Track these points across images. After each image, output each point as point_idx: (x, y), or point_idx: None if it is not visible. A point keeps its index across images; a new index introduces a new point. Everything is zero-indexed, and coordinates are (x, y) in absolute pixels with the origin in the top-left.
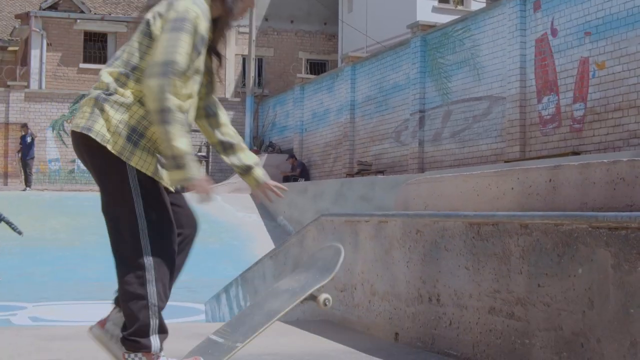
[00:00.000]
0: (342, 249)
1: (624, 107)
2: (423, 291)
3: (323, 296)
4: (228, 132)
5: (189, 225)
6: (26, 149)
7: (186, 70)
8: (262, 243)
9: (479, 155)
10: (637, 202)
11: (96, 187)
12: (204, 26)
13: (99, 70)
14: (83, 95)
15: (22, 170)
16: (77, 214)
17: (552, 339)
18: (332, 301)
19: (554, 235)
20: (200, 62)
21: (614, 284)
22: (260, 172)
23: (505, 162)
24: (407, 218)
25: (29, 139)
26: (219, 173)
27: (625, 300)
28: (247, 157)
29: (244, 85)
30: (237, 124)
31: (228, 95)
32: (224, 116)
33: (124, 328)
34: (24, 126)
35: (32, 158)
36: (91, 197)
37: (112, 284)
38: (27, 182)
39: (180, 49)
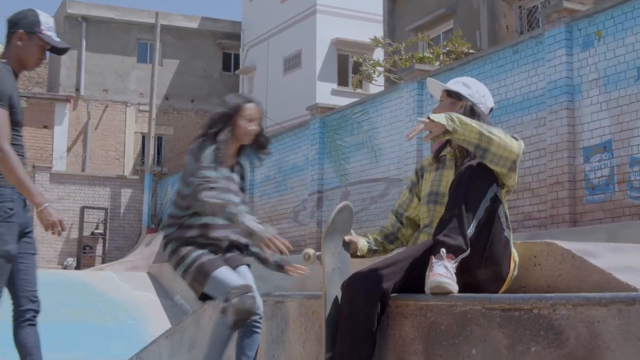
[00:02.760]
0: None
1: (518, 190)
2: None
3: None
4: None
5: None
6: None
7: None
8: (158, 322)
9: None
10: (530, 284)
11: None
12: None
13: None
14: None
15: None
16: None
17: None
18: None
19: (448, 316)
20: None
21: None
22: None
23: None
24: (304, 299)
25: None
26: (116, 251)
27: None
28: None
29: (143, 163)
30: (136, 202)
31: (127, 173)
32: None
33: None
34: None
35: None
36: None
37: None
38: None
39: None
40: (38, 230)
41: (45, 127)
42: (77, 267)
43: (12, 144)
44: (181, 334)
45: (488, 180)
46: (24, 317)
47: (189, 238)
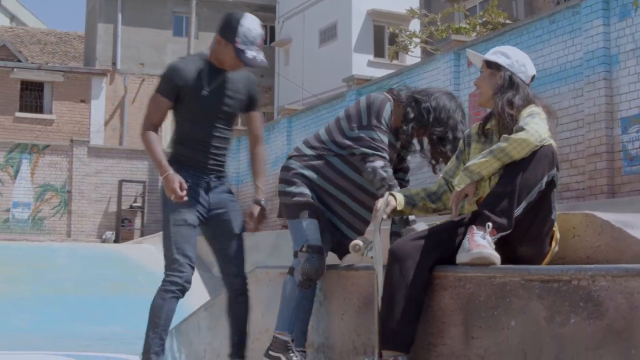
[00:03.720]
0: None
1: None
2: (358, 344)
3: (353, 242)
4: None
5: None
6: None
7: None
8: (196, 295)
9: None
10: (569, 256)
11: (30, 237)
12: None
13: (34, 119)
14: (18, 144)
15: None
16: (10, 264)
17: None
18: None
19: (487, 288)
20: None
21: (547, 336)
22: None
23: (440, 215)
24: (342, 270)
25: None
26: (154, 224)
27: (558, 352)
28: None
29: None
30: None
31: (164, 146)
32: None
33: None
34: None
35: None
36: (25, 247)
37: (45, 335)
38: None
39: None
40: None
41: (82, 101)
42: (116, 241)
43: (189, 130)
44: (220, 306)
45: (549, 165)
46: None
47: (314, 183)
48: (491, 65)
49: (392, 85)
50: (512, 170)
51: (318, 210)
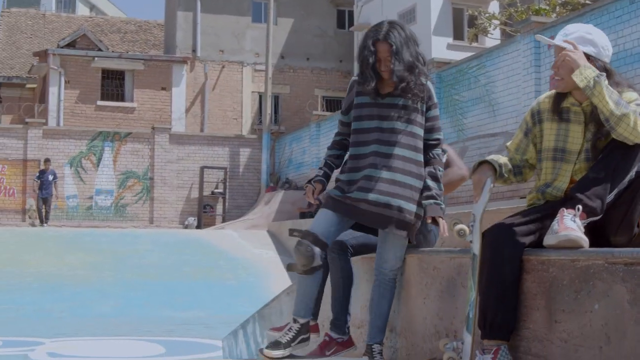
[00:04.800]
0: None
1: None
2: (440, 327)
3: (458, 227)
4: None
5: None
6: (47, 186)
7: None
8: (278, 279)
9: (495, 191)
10: None
11: (113, 224)
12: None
13: (116, 107)
14: (100, 133)
15: (40, 207)
16: (94, 250)
17: None
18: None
19: (570, 271)
20: None
21: (631, 319)
22: None
23: (521, 198)
24: (423, 254)
25: (50, 177)
26: (236, 210)
27: None
28: None
29: (261, 122)
30: (254, 161)
31: (245, 132)
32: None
33: None
34: (47, 161)
35: (52, 195)
36: (108, 233)
37: (129, 320)
38: (44, 219)
39: None
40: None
41: (163, 88)
42: (198, 227)
43: None
44: None
45: None
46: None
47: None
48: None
49: (472, 68)
50: (606, 157)
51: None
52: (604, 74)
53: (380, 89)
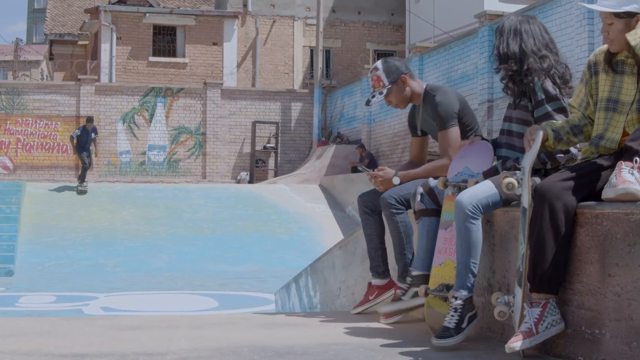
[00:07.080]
0: None
1: None
2: (493, 281)
3: (506, 180)
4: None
5: None
6: (88, 144)
7: None
8: (330, 233)
9: None
10: None
11: (166, 179)
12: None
13: (167, 63)
14: (152, 88)
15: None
16: (147, 205)
17: (622, 329)
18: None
19: (624, 224)
20: None
21: None
22: None
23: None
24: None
25: (93, 135)
26: (288, 164)
27: None
28: None
29: (312, 76)
30: (306, 115)
31: (296, 87)
32: None
33: None
34: (90, 120)
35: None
36: (161, 188)
37: (182, 274)
38: (82, 177)
39: None
40: (211, 146)
41: (214, 44)
42: (251, 181)
43: None
44: (354, 245)
45: None
46: None
47: None
48: (620, 15)
49: None
50: None
51: None
52: None
53: None
